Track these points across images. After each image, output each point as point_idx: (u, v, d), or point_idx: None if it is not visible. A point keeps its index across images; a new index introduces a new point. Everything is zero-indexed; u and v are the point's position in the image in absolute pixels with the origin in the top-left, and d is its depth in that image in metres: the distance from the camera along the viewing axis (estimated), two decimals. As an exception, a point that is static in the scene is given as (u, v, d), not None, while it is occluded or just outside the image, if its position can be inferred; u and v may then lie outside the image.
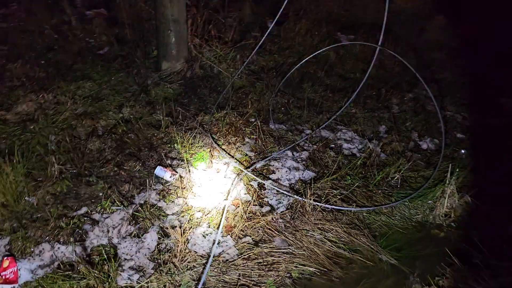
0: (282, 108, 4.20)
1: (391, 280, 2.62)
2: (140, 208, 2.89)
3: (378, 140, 3.82)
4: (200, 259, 2.61)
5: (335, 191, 3.17)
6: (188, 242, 2.72)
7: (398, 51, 4.97)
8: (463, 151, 3.76)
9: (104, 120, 3.71)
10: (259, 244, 2.75)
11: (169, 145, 3.53)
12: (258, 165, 3.43)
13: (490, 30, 5.50)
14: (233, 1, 5.50)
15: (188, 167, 3.29)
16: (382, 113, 4.25)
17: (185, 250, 2.64)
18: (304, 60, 4.50)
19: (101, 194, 3.00)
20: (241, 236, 2.82)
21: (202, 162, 3.38)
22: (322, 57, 5.09)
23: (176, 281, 2.47)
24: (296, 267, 2.63)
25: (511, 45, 5.21)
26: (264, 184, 3.23)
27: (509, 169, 3.43)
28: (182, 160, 3.36)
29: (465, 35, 5.65)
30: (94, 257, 2.57)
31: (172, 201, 3.02)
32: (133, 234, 2.74)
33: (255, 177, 3.24)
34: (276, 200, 3.12)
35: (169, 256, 2.60)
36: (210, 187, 3.16)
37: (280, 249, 2.74)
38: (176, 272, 2.51)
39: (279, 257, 2.68)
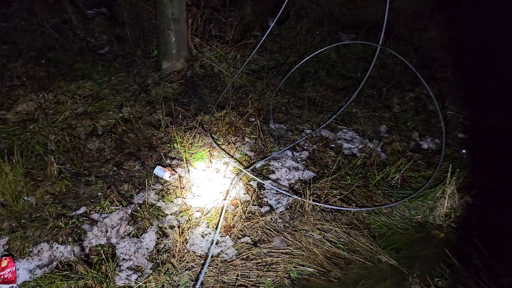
0: (283, 108, 4.19)
1: (390, 281, 2.61)
2: (139, 208, 2.88)
3: (379, 140, 3.80)
4: (199, 259, 2.61)
5: (334, 191, 3.16)
6: (187, 242, 2.71)
7: (399, 50, 4.97)
8: (464, 151, 3.74)
9: (104, 120, 3.71)
10: (258, 244, 2.75)
11: (168, 145, 3.52)
12: (258, 165, 3.42)
13: (492, 29, 5.47)
14: (234, 0, 5.50)
15: (188, 167, 3.29)
16: (383, 113, 4.23)
17: (183, 250, 2.64)
18: (305, 60, 4.49)
19: (100, 194, 3.00)
20: (240, 236, 2.81)
21: (201, 162, 3.38)
22: (323, 56, 5.09)
23: (175, 281, 2.47)
24: (295, 267, 2.63)
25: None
26: (263, 184, 3.22)
27: (510, 170, 3.41)
28: (182, 160, 3.35)
29: (467, 34, 5.63)
30: (92, 257, 2.57)
31: (171, 201, 3.01)
32: (131, 234, 2.74)
33: (254, 177, 3.23)
34: (275, 200, 3.11)
35: (168, 256, 2.60)
36: (209, 187, 3.16)
37: (279, 249, 2.73)
38: (174, 272, 2.51)
39: (278, 257, 2.67)
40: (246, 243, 2.75)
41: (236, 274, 2.54)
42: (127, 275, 2.47)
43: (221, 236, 2.78)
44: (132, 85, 4.25)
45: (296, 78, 4.68)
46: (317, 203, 3.02)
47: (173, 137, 3.57)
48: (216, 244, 2.72)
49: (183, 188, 3.11)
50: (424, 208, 3.14)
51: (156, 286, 2.43)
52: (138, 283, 2.42)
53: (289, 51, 5.16)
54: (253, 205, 3.04)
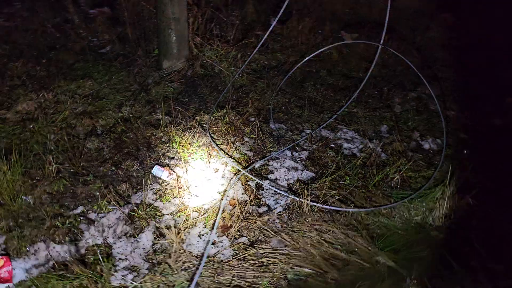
0: (283, 107, 4.17)
1: (387, 283, 2.58)
2: (136, 208, 2.88)
3: (379, 140, 3.78)
4: (195, 260, 2.60)
5: (333, 191, 3.14)
6: (184, 242, 2.71)
7: (401, 50, 4.94)
8: (465, 151, 3.70)
9: (104, 119, 3.71)
10: (255, 245, 2.74)
11: (167, 145, 3.52)
12: (257, 165, 3.40)
13: (494, 28, 5.43)
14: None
15: (186, 166, 3.28)
16: (384, 112, 4.20)
17: (180, 250, 2.63)
18: (306, 59, 4.47)
19: (97, 193, 2.99)
20: (237, 236, 2.80)
21: (200, 162, 3.37)
22: (325, 55, 5.06)
23: (170, 281, 2.46)
24: (291, 268, 2.61)
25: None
26: (262, 184, 3.21)
27: (510, 170, 3.38)
28: (180, 160, 3.35)
29: (470, 33, 5.58)
30: (88, 256, 2.57)
31: (169, 201, 3.01)
32: (128, 234, 2.74)
33: (252, 177, 3.22)
34: (273, 200, 3.10)
35: (164, 256, 2.60)
36: (207, 187, 3.15)
37: (276, 250, 2.72)
38: (170, 272, 2.50)
39: (275, 258, 2.66)
40: (243, 244, 2.74)
41: (232, 275, 2.53)
42: (123, 275, 2.47)
43: (218, 237, 2.77)
44: (133, 85, 4.25)
45: (297, 77, 4.66)
46: (315, 204, 3.00)
47: (172, 137, 3.56)
48: (212, 244, 2.72)
49: (181, 188, 3.11)
50: (423, 209, 3.11)
51: (152, 286, 2.42)
52: (133, 283, 2.42)
53: (290, 51, 5.14)
54: (251, 205, 3.03)
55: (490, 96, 4.48)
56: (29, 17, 5.24)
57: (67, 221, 2.75)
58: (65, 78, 4.20)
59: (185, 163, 3.31)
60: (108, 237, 2.71)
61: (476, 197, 3.11)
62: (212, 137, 3.62)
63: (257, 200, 3.08)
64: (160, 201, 3.00)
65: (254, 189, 3.17)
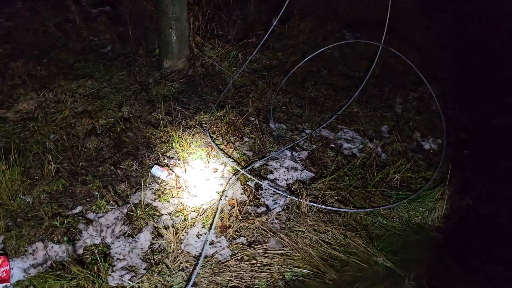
0: (283, 107, 4.16)
1: (385, 283, 2.58)
2: (134, 208, 2.87)
3: (380, 140, 3.76)
4: (193, 260, 2.60)
5: (332, 191, 3.13)
6: (182, 243, 2.70)
7: (402, 50, 4.90)
8: (466, 151, 3.68)
9: (104, 119, 3.71)
10: (253, 245, 2.73)
11: (167, 144, 3.51)
12: (256, 165, 3.40)
13: (497, 28, 5.40)
14: (238, -1, 5.49)
15: (185, 166, 3.28)
16: (385, 112, 4.18)
17: (177, 250, 2.63)
18: (306, 59, 4.46)
19: (96, 193, 2.99)
20: (236, 236, 2.79)
21: (199, 162, 3.36)
22: (326, 55, 5.04)
23: (168, 281, 2.46)
24: (289, 268, 2.61)
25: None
26: (261, 184, 3.20)
27: (511, 170, 3.36)
28: (179, 159, 3.34)
29: (470, 33, 5.56)
30: (86, 256, 2.57)
31: (168, 201, 3.00)
32: (126, 234, 2.73)
33: (251, 177, 3.21)
34: (272, 200, 3.09)
35: (162, 256, 2.59)
36: (206, 187, 3.14)
37: (274, 250, 2.71)
38: (168, 272, 2.50)
39: (273, 258, 2.65)
40: (241, 244, 2.73)
41: (230, 275, 2.52)
42: (121, 275, 2.47)
43: (216, 237, 2.77)
44: (133, 84, 4.25)
45: (298, 77, 4.65)
46: (314, 204, 2.99)
47: (171, 137, 3.56)
48: (211, 244, 2.71)
49: (180, 187, 3.10)
50: (423, 209, 3.10)
51: (149, 286, 2.42)
52: (131, 283, 2.42)
53: (292, 50, 5.13)
54: (250, 205, 3.02)
55: (490, 96, 4.46)
56: (30, 17, 5.24)
57: (65, 221, 2.75)
58: (66, 77, 4.20)
59: (184, 163, 3.31)
60: (106, 237, 2.71)
61: (476, 198, 3.10)
62: (211, 137, 3.61)
63: (256, 200, 3.08)
64: (159, 201, 3.00)
65: (253, 189, 3.16)
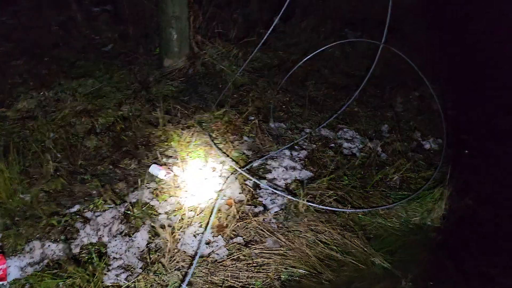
0: (284, 106, 4.15)
1: (382, 284, 2.57)
2: (132, 207, 2.88)
3: (380, 140, 3.75)
4: (189, 259, 2.59)
5: (331, 191, 3.12)
6: (178, 242, 2.70)
7: (404, 49, 4.87)
8: (466, 151, 3.66)
9: (103, 118, 3.72)
10: (250, 245, 2.72)
11: (166, 143, 3.51)
12: (255, 164, 3.39)
13: (496, 28, 5.37)
14: (240, -3, 5.48)
15: (184, 165, 3.28)
16: (386, 112, 4.17)
17: (174, 250, 2.63)
18: (306, 58, 4.45)
19: (94, 192, 3.00)
20: (233, 236, 2.79)
21: (198, 161, 3.36)
22: (327, 54, 5.02)
23: (164, 281, 2.46)
24: (286, 269, 2.60)
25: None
26: (259, 183, 3.19)
27: (511, 171, 3.34)
28: (178, 159, 3.34)
29: (471, 33, 5.52)
30: (83, 255, 2.58)
31: (165, 200, 3.00)
32: (123, 233, 2.74)
33: (249, 176, 3.20)
34: (270, 200, 3.08)
35: (158, 255, 2.59)
36: (204, 186, 3.14)
37: (271, 250, 2.71)
38: (163, 272, 2.50)
39: (270, 258, 2.65)
40: (238, 244, 2.73)
41: (226, 275, 2.52)
42: (117, 274, 2.47)
43: (213, 236, 2.77)
44: (133, 83, 4.25)
45: (299, 76, 4.63)
46: (311, 204, 2.98)
47: (171, 136, 3.56)
48: (207, 244, 2.71)
49: (178, 187, 3.10)
50: (422, 210, 3.08)
51: (145, 285, 2.42)
52: (126, 283, 2.42)
53: (293, 49, 5.12)
54: (247, 205, 3.02)
55: (490, 96, 4.43)
56: (33, 15, 5.26)
57: (63, 220, 2.76)
58: (66, 76, 4.22)
59: (182, 162, 3.30)
60: (103, 236, 2.71)
61: (475, 198, 3.08)
62: (210, 136, 3.61)
63: (254, 200, 3.07)
64: (157, 200, 3.00)
65: (251, 189, 3.15)
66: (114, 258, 2.58)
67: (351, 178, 3.30)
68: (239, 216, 2.90)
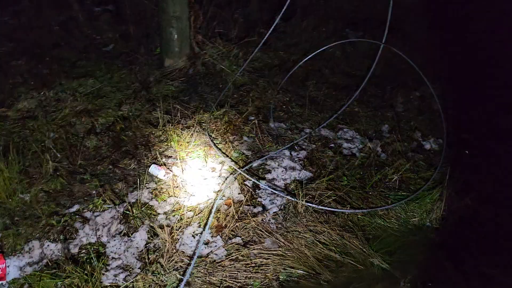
0: (284, 106, 4.15)
1: (381, 285, 2.56)
2: (131, 207, 2.88)
3: (380, 140, 3.74)
4: (188, 259, 2.60)
5: (330, 192, 3.11)
6: (177, 242, 2.71)
7: (405, 49, 4.86)
8: (466, 152, 3.65)
9: (103, 118, 3.72)
10: (249, 245, 2.72)
11: (166, 143, 3.52)
12: (254, 164, 3.39)
13: (496, 28, 5.35)
14: (240, -3, 5.48)
15: (183, 165, 3.28)
16: (386, 112, 4.16)
17: (172, 250, 2.63)
18: (307, 58, 4.44)
19: (94, 192, 3.01)
20: (231, 236, 2.79)
21: (197, 161, 3.36)
22: (328, 54, 5.01)
23: (162, 281, 2.46)
24: (284, 269, 2.60)
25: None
26: (258, 183, 3.19)
27: (511, 171, 3.33)
28: (178, 159, 3.34)
29: (472, 33, 5.50)
30: (82, 255, 2.58)
31: (164, 200, 3.01)
32: (122, 233, 2.74)
33: (249, 177, 3.20)
34: (269, 200, 3.08)
35: (157, 255, 2.60)
36: (203, 186, 3.14)
37: (270, 250, 2.71)
38: (162, 272, 2.50)
39: (268, 258, 2.65)
40: (236, 244, 2.73)
41: (224, 275, 2.52)
42: (115, 274, 2.48)
43: (212, 236, 2.77)
44: (134, 83, 4.26)
45: (300, 76, 4.63)
46: (310, 204, 2.98)
47: (170, 136, 3.56)
48: (206, 244, 2.71)
49: (177, 187, 3.11)
50: (421, 210, 3.08)
51: (143, 286, 2.43)
52: (125, 283, 2.42)
53: (293, 49, 5.11)
54: (246, 205, 3.02)
55: (490, 96, 4.41)
56: (34, 15, 5.27)
57: (62, 220, 2.77)
58: (67, 76, 4.23)
59: (182, 162, 3.31)
60: (102, 236, 2.72)
61: (475, 198, 3.06)
62: (210, 136, 3.61)
63: (253, 200, 3.07)
64: (156, 200, 3.00)
65: (251, 189, 3.15)
66: (112, 258, 2.59)
67: (350, 178, 3.30)
68: (238, 216, 2.90)
